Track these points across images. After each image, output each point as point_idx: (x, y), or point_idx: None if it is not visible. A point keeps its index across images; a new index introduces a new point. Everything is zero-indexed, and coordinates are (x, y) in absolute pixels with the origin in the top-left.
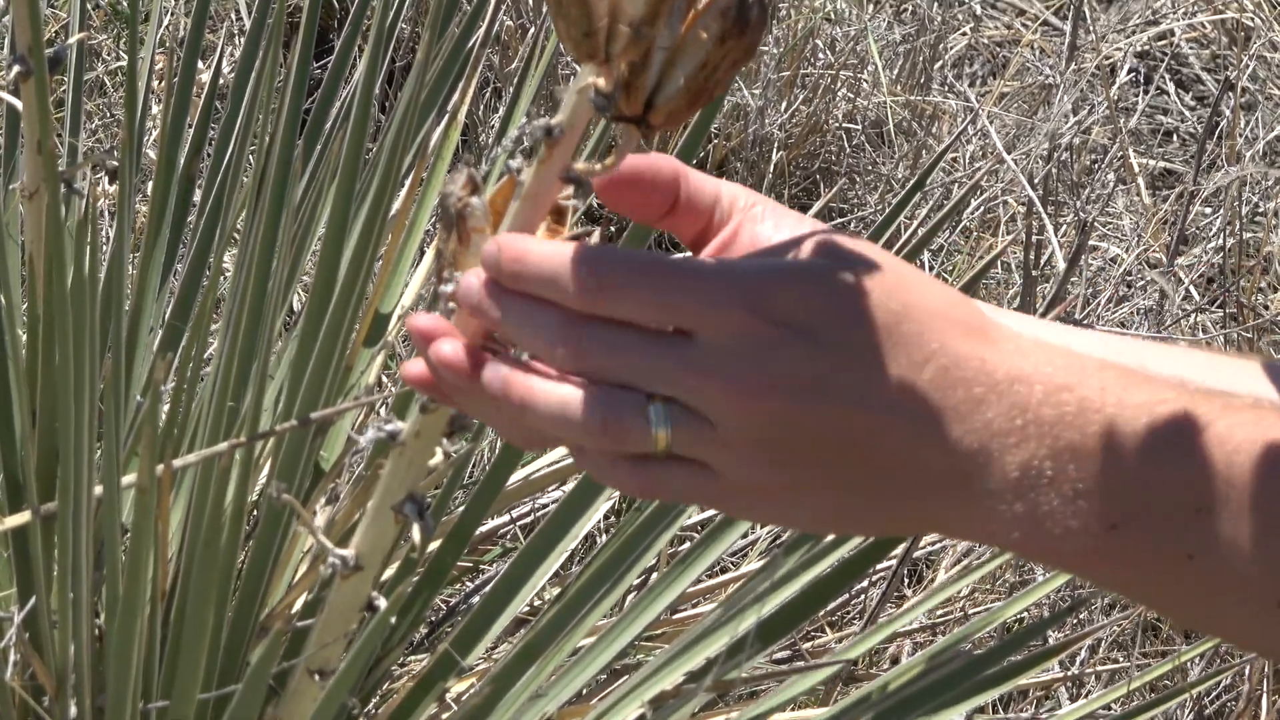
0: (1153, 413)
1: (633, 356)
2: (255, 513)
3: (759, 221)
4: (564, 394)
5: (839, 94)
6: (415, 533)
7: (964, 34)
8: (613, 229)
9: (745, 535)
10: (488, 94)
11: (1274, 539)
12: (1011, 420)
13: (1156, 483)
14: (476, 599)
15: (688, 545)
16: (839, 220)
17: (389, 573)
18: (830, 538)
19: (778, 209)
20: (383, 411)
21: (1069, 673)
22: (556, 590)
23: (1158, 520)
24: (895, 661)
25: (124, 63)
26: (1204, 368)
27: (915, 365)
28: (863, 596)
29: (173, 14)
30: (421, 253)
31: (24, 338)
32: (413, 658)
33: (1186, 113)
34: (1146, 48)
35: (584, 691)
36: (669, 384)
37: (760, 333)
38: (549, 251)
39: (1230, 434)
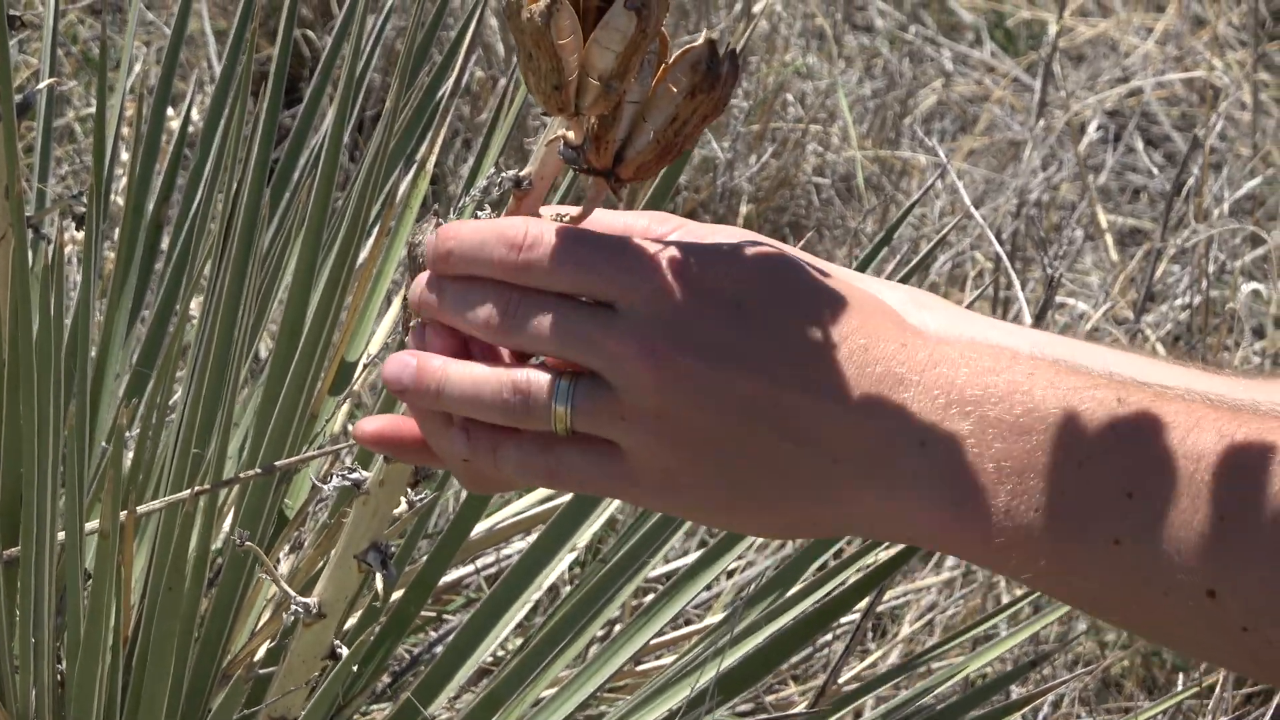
0: (1082, 396)
1: (554, 323)
2: (218, 560)
3: (691, 233)
4: (477, 373)
5: (808, 148)
6: (379, 581)
7: (934, 90)
8: None
9: (709, 588)
10: (457, 144)
11: (1205, 524)
12: (934, 399)
13: (1086, 464)
14: (440, 648)
15: (651, 597)
16: None
17: (352, 621)
18: (795, 589)
19: (705, 225)
20: (347, 460)
21: None
22: (520, 640)
23: (1086, 503)
24: (858, 716)
25: (93, 109)
26: (1138, 366)
27: (834, 342)
28: (826, 649)
29: (143, 61)
30: (388, 302)
31: None
32: (375, 707)
33: (1155, 170)
34: (1116, 106)
35: None
36: (585, 348)
37: (683, 301)
38: (479, 226)
39: (1161, 421)
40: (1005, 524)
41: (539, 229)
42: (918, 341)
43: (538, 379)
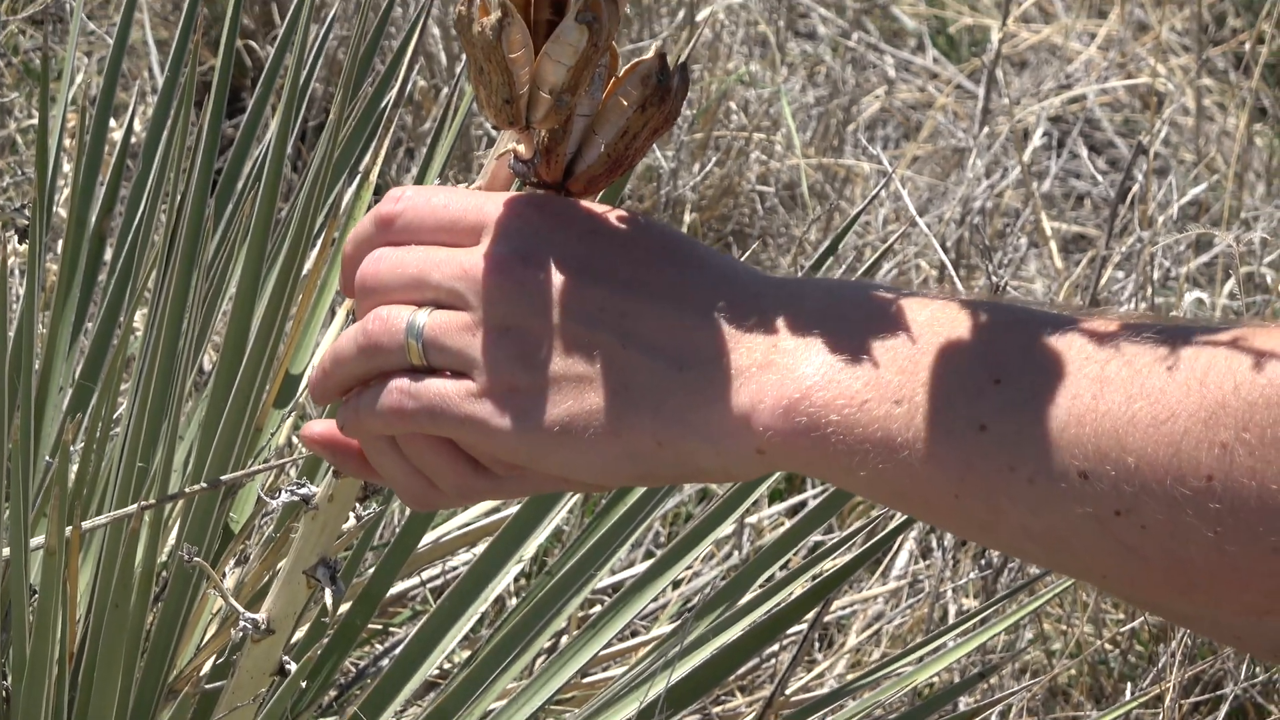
0: (938, 302)
1: (418, 259)
2: (164, 574)
3: None
4: (347, 331)
5: (752, 156)
6: (327, 597)
7: (877, 97)
8: None
9: (656, 599)
10: (400, 154)
11: (1076, 405)
12: (785, 306)
13: (947, 354)
14: (386, 661)
15: (598, 609)
16: None
17: (299, 635)
18: (744, 600)
19: None
20: (293, 473)
21: None
22: (467, 653)
23: (949, 390)
24: None
25: (35, 120)
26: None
27: (687, 258)
28: (773, 660)
29: (85, 72)
30: (332, 313)
31: None
32: None
33: (1099, 177)
34: (1059, 112)
35: None
36: (444, 269)
37: (537, 223)
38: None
39: (1029, 315)
40: (860, 418)
41: (404, 191)
42: (773, 274)
43: (391, 314)
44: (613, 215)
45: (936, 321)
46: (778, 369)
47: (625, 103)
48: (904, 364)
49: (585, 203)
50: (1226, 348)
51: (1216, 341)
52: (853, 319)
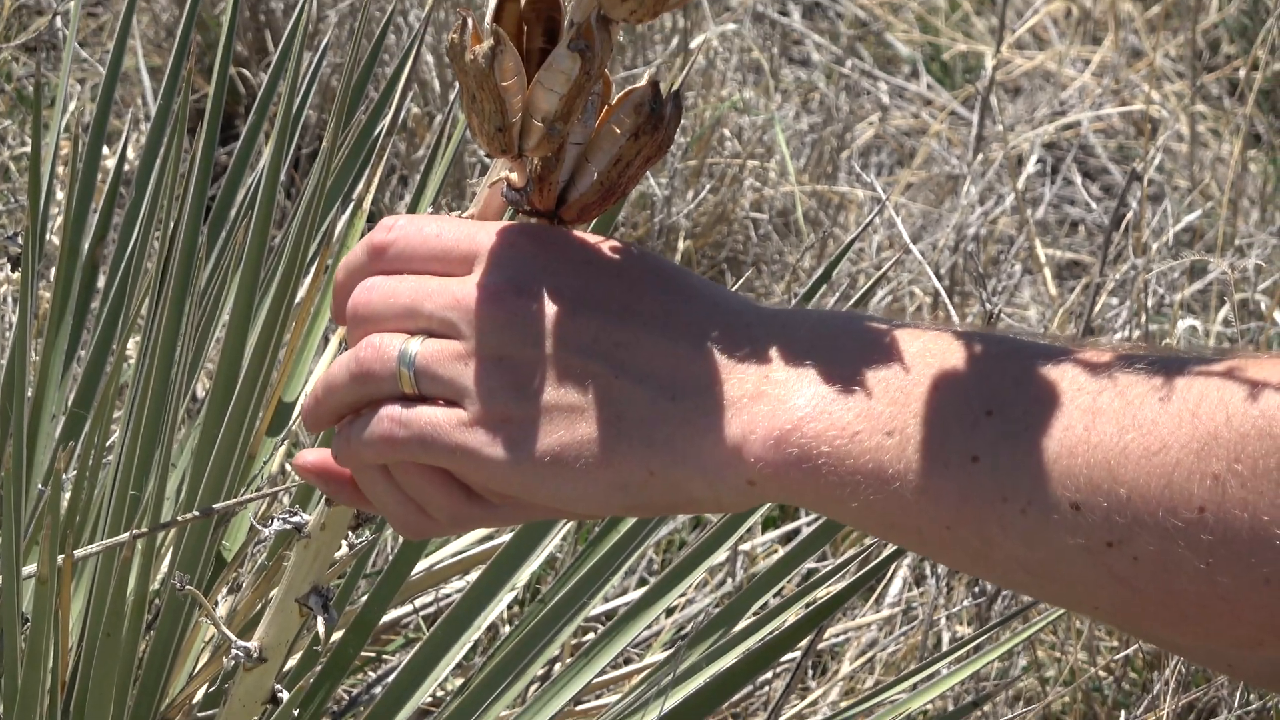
0: (930, 333)
1: (411, 289)
2: (156, 602)
3: None
4: (339, 359)
5: (746, 183)
6: (320, 625)
7: (871, 124)
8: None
9: (649, 627)
10: (393, 181)
11: (1069, 437)
12: (777, 335)
13: (941, 386)
14: (379, 689)
15: (591, 637)
16: None
17: (291, 663)
18: (739, 626)
19: None
20: (285, 501)
21: None
22: (460, 681)
23: (942, 421)
24: None
25: (28, 148)
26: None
27: (680, 289)
28: (766, 688)
29: (78, 99)
30: (325, 341)
31: None
32: None
33: (1093, 203)
34: (1053, 139)
35: None
36: (436, 303)
37: (531, 253)
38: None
39: (1020, 346)
40: (852, 449)
41: (396, 220)
42: (767, 302)
43: (383, 342)
44: (605, 245)
45: (928, 352)
46: (769, 399)
47: (618, 131)
48: (896, 395)
49: (578, 232)
50: (1219, 378)
51: (1209, 372)
52: (845, 350)
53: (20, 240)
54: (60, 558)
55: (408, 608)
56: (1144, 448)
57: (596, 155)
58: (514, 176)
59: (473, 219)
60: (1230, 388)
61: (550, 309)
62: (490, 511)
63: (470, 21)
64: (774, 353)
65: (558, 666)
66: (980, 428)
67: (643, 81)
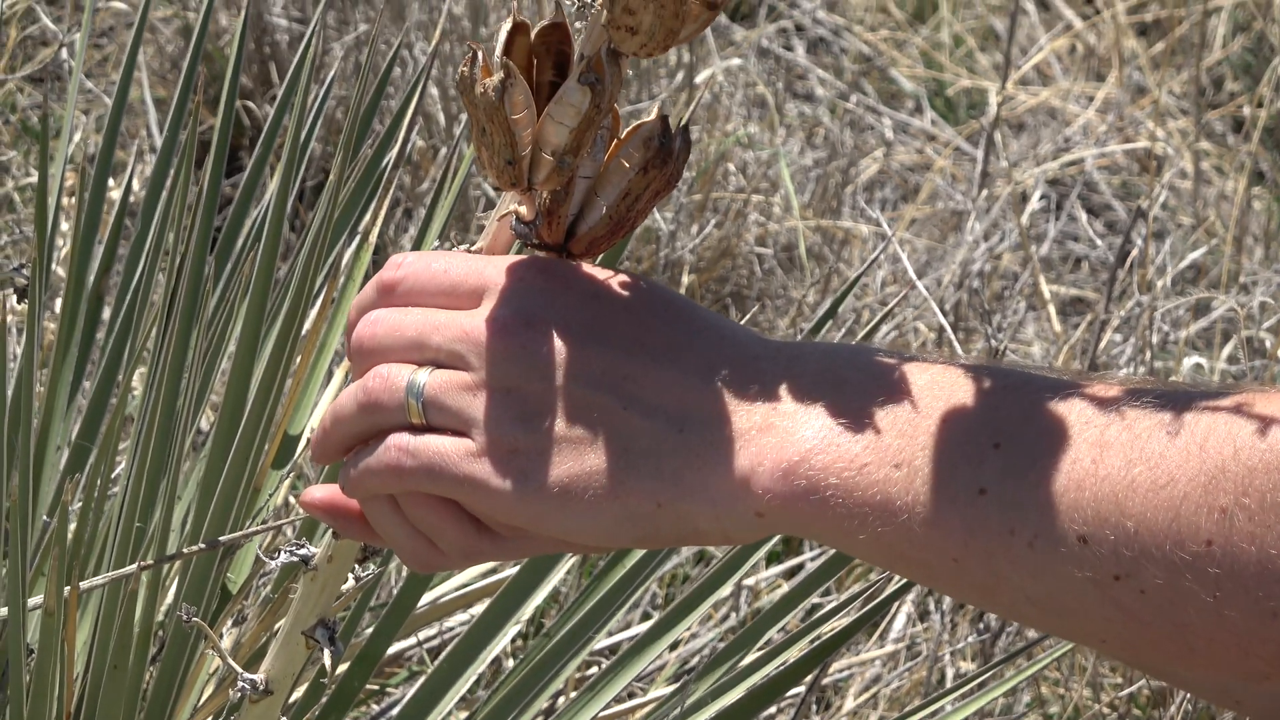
0: (938, 367)
1: (418, 322)
2: (161, 633)
3: None
4: (346, 390)
5: (750, 218)
6: (326, 657)
7: (875, 159)
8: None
9: (654, 661)
10: (398, 214)
11: (1076, 470)
12: (786, 368)
13: (949, 420)
14: None
15: (596, 671)
16: None
17: (296, 695)
18: (745, 661)
19: None
20: (289, 533)
21: None
22: (464, 715)
23: (949, 454)
24: None
25: (34, 179)
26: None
27: (689, 323)
28: None
29: (84, 130)
30: (330, 373)
31: None
32: None
33: (1098, 240)
34: (1057, 175)
35: None
36: (444, 335)
37: (540, 287)
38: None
39: (1027, 378)
40: (860, 482)
41: (405, 257)
42: (772, 336)
43: (391, 372)
44: (615, 279)
45: (936, 385)
46: (777, 432)
47: (627, 165)
48: (904, 428)
49: (586, 265)
50: (1226, 412)
51: (1216, 406)
52: (853, 383)
53: (26, 271)
54: (66, 589)
55: (412, 641)
56: (1151, 481)
57: (605, 189)
58: (523, 210)
59: (481, 252)
60: (1238, 422)
61: (558, 342)
62: (499, 544)
63: (480, 54)
64: (782, 386)
65: (562, 701)
66: (988, 461)
67: (651, 116)
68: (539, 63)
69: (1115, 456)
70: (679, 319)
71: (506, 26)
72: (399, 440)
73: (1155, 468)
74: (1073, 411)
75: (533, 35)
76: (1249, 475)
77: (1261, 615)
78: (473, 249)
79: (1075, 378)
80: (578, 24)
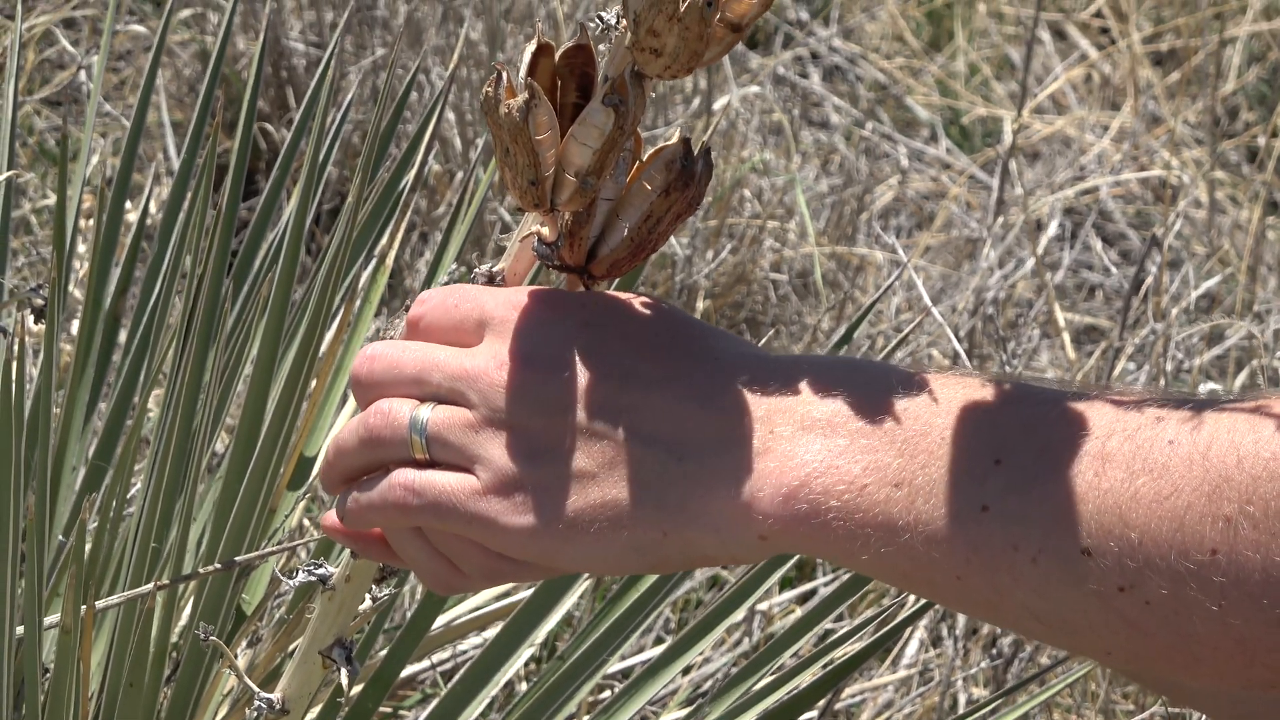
0: (940, 380)
1: (420, 359)
2: (176, 654)
3: None
4: (349, 423)
5: (766, 244)
6: (343, 677)
7: (890, 186)
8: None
9: (666, 686)
10: (414, 237)
11: (1079, 484)
12: (791, 387)
13: (950, 438)
14: None
15: (609, 695)
16: None
17: (311, 716)
18: (758, 685)
19: None
20: (304, 554)
21: None
22: None
23: (951, 472)
24: None
25: (51, 201)
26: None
27: (694, 356)
28: None
29: (101, 153)
30: (346, 395)
31: None
32: None
33: (1112, 268)
34: (1072, 203)
35: None
36: (444, 373)
37: (536, 321)
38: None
39: (1027, 393)
40: (860, 503)
41: (430, 294)
42: (774, 357)
43: (394, 408)
44: (637, 301)
45: (935, 401)
46: (776, 455)
47: (649, 187)
48: (903, 446)
49: (599, 290)
50: (1229, 421)
51: (1219, 415)
52: (850, 401)
53: (44, 292)
54: (82, 608)
55: (426, 663)
56: (1155, 492)
57: (627, 211)
58: (545, 231)
59: (504, 273)
60: (1241, 430)
61: (556, 377)
62: (519, 567)
63: (505, 75)
64: (778, 408)
65: None
66: (989, 477)
67: (672, 139)
68: (563, 84)
69: (1117, 468)
70: (676, 343)
71: (531, 48)
72: (404, 478)
73: (1158, 478)
74: (1073, 424)
75: (557, 57)
76: (1253, 483)
77: (1267, 623)
78: (495, 269)
79: (1075, 389)
80: (601, 46)
